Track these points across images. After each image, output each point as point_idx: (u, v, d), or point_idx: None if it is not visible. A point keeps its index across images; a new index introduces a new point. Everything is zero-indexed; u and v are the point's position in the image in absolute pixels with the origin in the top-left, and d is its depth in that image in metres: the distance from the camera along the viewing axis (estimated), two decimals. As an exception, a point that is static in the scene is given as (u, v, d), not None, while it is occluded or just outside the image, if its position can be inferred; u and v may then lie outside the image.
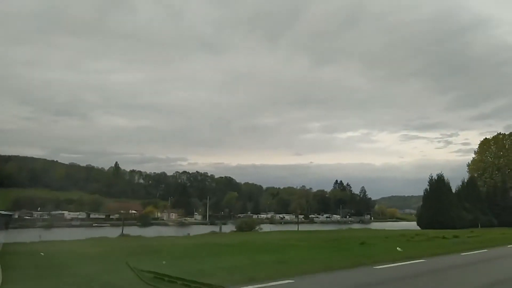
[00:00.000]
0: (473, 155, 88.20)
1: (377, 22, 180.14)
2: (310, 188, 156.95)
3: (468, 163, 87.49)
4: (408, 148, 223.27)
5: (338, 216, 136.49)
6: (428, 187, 60.77)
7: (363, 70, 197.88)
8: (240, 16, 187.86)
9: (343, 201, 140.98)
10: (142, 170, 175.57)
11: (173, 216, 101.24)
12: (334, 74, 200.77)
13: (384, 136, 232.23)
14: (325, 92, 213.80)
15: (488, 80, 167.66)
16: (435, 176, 60.83)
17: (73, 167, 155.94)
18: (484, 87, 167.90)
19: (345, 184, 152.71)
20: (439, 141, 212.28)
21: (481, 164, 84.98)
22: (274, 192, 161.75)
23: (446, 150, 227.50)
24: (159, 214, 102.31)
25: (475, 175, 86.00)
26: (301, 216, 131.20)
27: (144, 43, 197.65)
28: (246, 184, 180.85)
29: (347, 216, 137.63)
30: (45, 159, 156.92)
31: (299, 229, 44.09)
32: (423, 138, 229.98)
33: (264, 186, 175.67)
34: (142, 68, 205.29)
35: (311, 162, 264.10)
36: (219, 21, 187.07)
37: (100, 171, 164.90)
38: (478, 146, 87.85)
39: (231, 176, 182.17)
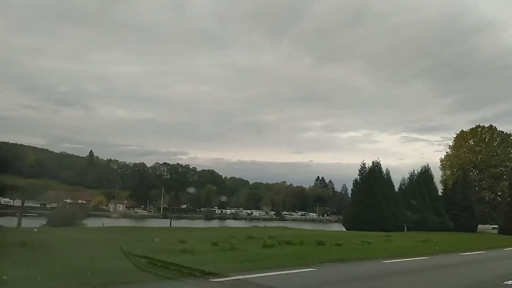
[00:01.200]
0: (448, 150, 78.30)
1: (381, 22, 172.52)
2: (291, 184, 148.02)
3: (441, 158, 77.62)
4: (408, 150, 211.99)
5: (315, 214, 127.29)
6: (358, 178, 49.99)
7: (366, 70, 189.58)
8: (244, 11, 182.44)
9: (322, 198, 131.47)
10: (119, 160, 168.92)
11: (120, 207, 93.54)
12: (336, 73, 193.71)
13: (385, 137, 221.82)
14: (327, 90, 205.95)
15: (492, 83, 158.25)
16: (369, 164, 49.39)
17: (45, 153, 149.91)
18: (487, 90, 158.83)
19: (327, 181, 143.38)
20: (439, 144, 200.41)
21: (455, 160, 75.10)
22: (254, 187, 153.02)
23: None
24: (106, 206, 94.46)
25: (449, 172, 76.74)
26: (272, 213, 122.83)
27: (147, 35, 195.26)
28: (232, 178, 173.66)
29: (325, 215, 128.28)
30: (35, 147, 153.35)
31: (171, 226, 35.61)
32: (424, 140, 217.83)
33: (251, 182, 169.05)
34: (145, 61, 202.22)
35: (310, 160, 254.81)
36: (223, 15, 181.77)
37: (76, 158, 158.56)
38: (453, 139, 77.73)
39: (214, 169, 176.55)
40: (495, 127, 75.79)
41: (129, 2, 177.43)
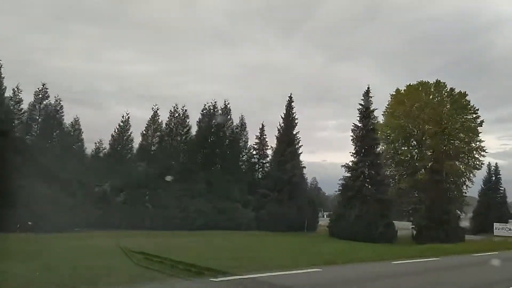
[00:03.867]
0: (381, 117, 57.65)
1: (395, 18, 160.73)
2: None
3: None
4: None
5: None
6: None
7: (380, 68, 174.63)
8: (255, 9, 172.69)
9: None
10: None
11: None
12: (350, 71, 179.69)
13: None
14: (340, 89, 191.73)
15: (508, 82, 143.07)
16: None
17: None
18: (503, 89, 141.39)
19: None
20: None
21: (386, 129, 55.07)
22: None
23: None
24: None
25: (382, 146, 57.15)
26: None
27: (159, 34, 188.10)
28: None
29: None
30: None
31: None
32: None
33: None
34: (157, 59, 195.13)
35: (324, 160, 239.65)
36: (234, 13, 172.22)
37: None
38: (389, 102, 56.89)
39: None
40: (445, 83, 55.04)
41: (142, 1, 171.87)
